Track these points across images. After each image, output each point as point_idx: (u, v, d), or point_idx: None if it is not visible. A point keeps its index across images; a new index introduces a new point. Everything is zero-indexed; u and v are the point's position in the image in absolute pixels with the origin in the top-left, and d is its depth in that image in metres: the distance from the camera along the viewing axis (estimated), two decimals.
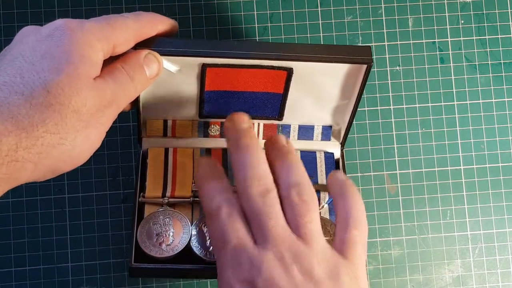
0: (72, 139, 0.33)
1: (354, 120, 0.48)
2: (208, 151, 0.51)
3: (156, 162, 0.50)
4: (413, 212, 0.55)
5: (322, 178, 0.51)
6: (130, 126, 0.55)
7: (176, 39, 0.41)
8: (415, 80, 0.57)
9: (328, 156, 0.51)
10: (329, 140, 0.51)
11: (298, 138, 0.51)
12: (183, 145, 0.51)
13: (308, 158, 0.51)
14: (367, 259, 0.55)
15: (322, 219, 0.49)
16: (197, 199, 0.49)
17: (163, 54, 0.41)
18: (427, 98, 0.57)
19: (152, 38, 0.40)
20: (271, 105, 0.48)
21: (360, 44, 0.57)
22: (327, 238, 0.48)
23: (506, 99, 0.57)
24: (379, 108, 0.56)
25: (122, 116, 0.55)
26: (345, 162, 0.52)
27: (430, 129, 0.56)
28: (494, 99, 0.57)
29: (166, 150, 0.50)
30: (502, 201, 0.56)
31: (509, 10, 0.58)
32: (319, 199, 0.49)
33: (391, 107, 0.57)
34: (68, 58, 0.33)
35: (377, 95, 0.56)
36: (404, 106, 0.57)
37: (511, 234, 0.56)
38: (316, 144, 0.51)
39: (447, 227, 0.56)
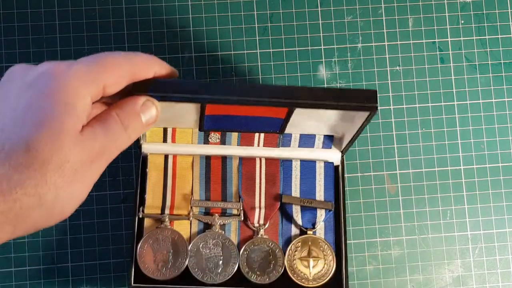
0: (53, 199, 0.31)
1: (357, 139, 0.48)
2: (208, 158, 0.51)
3: (155, 173, 0.49)
4: (413, 212, 0.55)
5: (320, 193, 0.50)
6: None
7: (176, 81, 0.39)
8: (415, 80, 0.57)
9: (328, 166, 0.51)
10: (330, 148, 0.51)
11: (299, 146, 0.51)
12: (182, 152, 0.50)
13: (307, 168, 0.51)
14: (367, 259, 0.55)
15: (316, 239, 0.49)
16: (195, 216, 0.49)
17: (162, 100, 0.38)
18: (427, 98, 0.57)
19: (150, 81, 0.38)
20: (272, 124, 0.47)
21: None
22: (320, 258, 0.49)
23: (506, 99, 0.57)
24: (379, 108, 0.56)
25: None
26: (345, 162, 0.52)
27: (430, 129, 0.56)
28: (494, 99, 0.57)
29: (166, 158, 0.50)
30: (502, 201, 0.56)
31: (509, 10, 0.58)
32: (315, 217, 0.49)
33: (391, 107, 0.57)
34: (51, 110, 0.31)
35: (377, 95, 0.56)
36: (404, 106, 0.57)
37: (511, 234, 0.56)
38: (317, 151, 0.51)
39: (447, 227, 0.56)
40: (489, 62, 0.57)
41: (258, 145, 0.50)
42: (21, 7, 0.55)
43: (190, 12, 0.56)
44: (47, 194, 0.31)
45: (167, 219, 0.48)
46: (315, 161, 0.51)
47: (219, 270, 0.47)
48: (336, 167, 0.51)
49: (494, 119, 0.57)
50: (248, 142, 0.50)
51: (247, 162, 0.50)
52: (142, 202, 0.49)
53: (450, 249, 0.55)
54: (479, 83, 0.57)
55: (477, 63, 0.57)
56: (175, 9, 0.56)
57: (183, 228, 0.49)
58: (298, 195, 0.50)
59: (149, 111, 0.37)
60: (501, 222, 0.56)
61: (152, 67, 0.37)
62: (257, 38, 0.56)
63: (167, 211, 0.48)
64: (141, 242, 0.47)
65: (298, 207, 0.49)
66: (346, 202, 0.51)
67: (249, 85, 0.39)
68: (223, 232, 0.49)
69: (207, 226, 0.49)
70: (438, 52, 0.57)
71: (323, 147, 0.50)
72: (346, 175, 0.52)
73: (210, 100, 0.40)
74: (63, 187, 0.31)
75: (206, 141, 0.50)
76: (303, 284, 0.48)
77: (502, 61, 0.57)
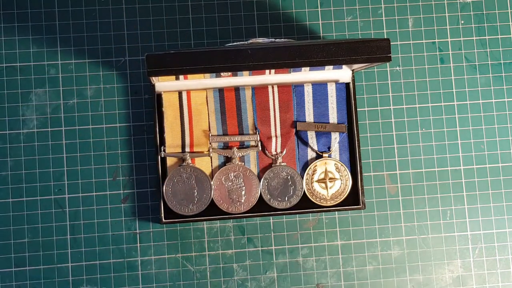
0: None
1: None
2: (221, 91, 0.51)
3: (171, 111, 0.51)
4: (413, 212, 0.55)
5: (333, 115, 0.52)
6: (130, 126, 0.55)
7: (188, 54, 0.40)
8: (415, 80, 0.57)
9: (339, 87, 0.52)
10: (341, 68, 0.52)
11: (310, 70, 0.52)
12: (195, 86, 0.51)
13: (319, 92, 0.52)
14: (367, 259, 0.55)
15: (332, 161, 0.51)
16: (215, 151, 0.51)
17: (176, 74, 0.39)
18: (427, 98, 0.57)
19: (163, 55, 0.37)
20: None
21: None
22: (336, 178, 0.51)
23: (506, 99, 0.57)
24: (379, 108, 0.56)
25: (122, 116, 0.55)
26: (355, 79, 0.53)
27: (430, 129, 0.56)
28: (494, 99, 0.57)
29: (180, 95, 0.51)
30: (502, 201, 0.56)
31: (509, 10, 0.58)
32: (330, 140, 0.51)
33: (391, 107, 0.57)
34: None
35: (377, 95, 0.56)
36: (404, 106, 0.57)
37: (511, 234, 0.56)
38: (328, 72, 0.52)
39: (447, 227, 0.56)
40: (489, 62, 0.57)
41: (270, 73, 0.52)
42: (21, 7, 0.55)
43: (190, 12, 0.56)
44: None
45: (188, 157, 0.51)
46: (326, 84, 0.52)
47: (243, 200, 0.51)
48: (347, 85, 0.52)
49: (494, 119, 0.57)
50: (260, 72, 0.51)
51: (259, 92, 0.52)
52: (162, 142, 0.51)
53: (450, 249, 0.55)
54: (479, 83, 0.57)
55: (477, 63, 0.57)
56: (175, 9, 0.56)
57: (205, 164, 0.51)
58: (312, 119, 0.52)
59: None
60: (501, 222, 0.56)
61: None
62: (257, 38, 0.56)
63: (187, 149, 0.51)
64: (166, 181, 0.50)
65: (313, 133, 0.51)
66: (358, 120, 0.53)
67: (262, 48, 0.40)
68: (243, 164, 0.51)
69: (227, 160, 0.51)
70: (438, 52, 0.57)
71: (333, 68, 0.52)
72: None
73: (224, 69, 0.41)
74: None
75: (218, 75, 0.51)
76: (322, 204, 0.51)
77: (502, 61, 0.57)
